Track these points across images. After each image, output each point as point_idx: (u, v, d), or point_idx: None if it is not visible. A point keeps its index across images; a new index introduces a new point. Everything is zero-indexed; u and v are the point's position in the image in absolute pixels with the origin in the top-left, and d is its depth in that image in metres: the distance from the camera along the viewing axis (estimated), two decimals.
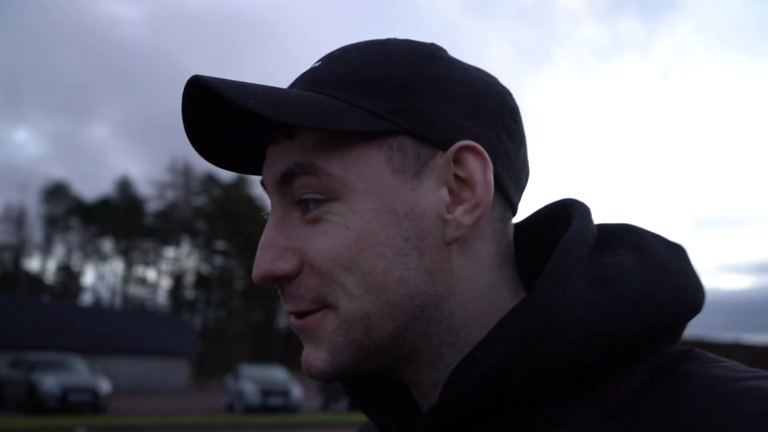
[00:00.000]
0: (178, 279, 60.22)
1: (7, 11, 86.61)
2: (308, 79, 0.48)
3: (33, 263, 63.34)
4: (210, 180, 61.14)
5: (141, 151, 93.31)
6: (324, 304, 0.45)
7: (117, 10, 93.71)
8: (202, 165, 62.19)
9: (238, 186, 61.94)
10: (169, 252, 61.18)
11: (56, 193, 60.58)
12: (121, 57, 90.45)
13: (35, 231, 60.26)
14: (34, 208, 60.57)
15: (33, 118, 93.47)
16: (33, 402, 15.96)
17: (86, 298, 58.88)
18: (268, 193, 0.48)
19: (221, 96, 0.41)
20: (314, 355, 0.46)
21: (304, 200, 0.45)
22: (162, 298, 60.40)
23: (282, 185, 0.46)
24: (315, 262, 0.44)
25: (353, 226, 0.44)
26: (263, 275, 0.46)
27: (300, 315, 0.47)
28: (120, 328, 36.15)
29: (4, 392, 18.08)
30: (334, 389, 18.24)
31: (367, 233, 0.44)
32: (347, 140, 0.44)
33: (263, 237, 0.47)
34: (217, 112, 0.46)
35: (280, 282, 0.46)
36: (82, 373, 17.69)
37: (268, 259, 0.45)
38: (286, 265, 0.45)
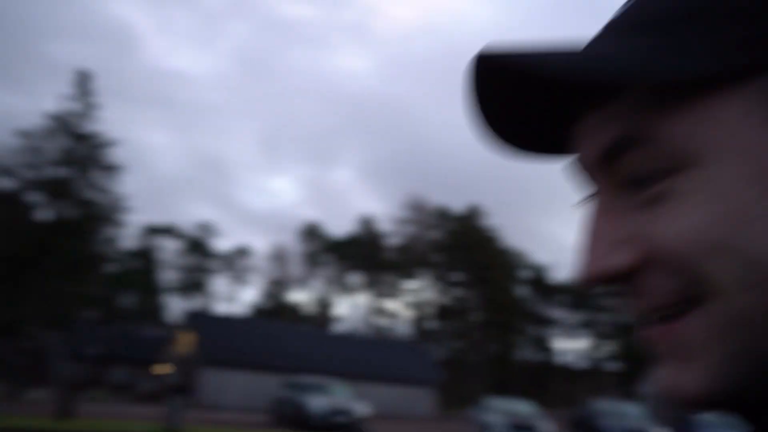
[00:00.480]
0: (419, 310, 62.86)
1: (262, 76, 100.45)
2: (619, 23, 0.36)
3: (295, 296, 71.15)
4: (442, 214, 63.18)
5: (380, 190, 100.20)
6: (689, 301, 0.33)
7: (351, 65, 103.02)
8: (434, 199, 64.78)
9: (470, 218, 63.02)
10: (410, 284, 64.21)
11: (310, 233, 67.76)
12: (358, 106, 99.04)
13: (296, 267, 67.97)
14: (294, 247, 68.50)
15: (288, 167, 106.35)
16: (302, 420, 17.64)
17: (339, 327, 64.31)
18: (586, 175, 0.38)
19: (518, 68, 0.33)
20: (684, 375, 0.33)
21: (639, 177, 0.34)
22: (405, 328, 63.43)
23: (606, 163, 0.36)
24: (668, 251, 0.33)
25: (717, 200, 0.32)
26: (597, 274, 0.35)
27: (660, 319, 0.34)
28: (369, 356, 38.60)
29: (279, 411, 20.27)
30: (585, 424, 17.16)
31: (739, 207, 0.31)
32: (690, 92, 0.32)
33: (591, 228, 0.36)
34: (509, 88, 0.37)
35: (616, 281, 0.36)
36: (344, 396, 19.16)
37: (600, 255, 0.35)
38: (623, 258, 0.35)
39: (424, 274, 63.64)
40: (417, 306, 63.19)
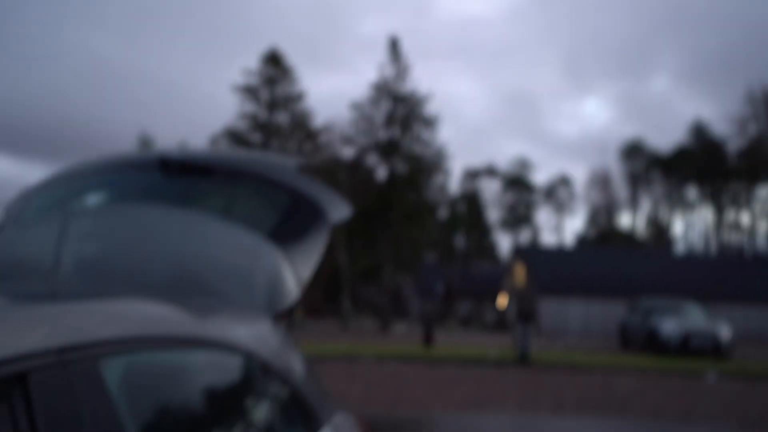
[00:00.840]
0: None
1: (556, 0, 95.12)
2: None
3: (624, 219, 67.63)
4: None
5: (709, 91, 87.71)
6: None
7: None
8: None
9: None
10: (763, 191, 55.30)
11: (633, 150, 63.08)
12: (668, 1, 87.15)
13: (621, 189, 64.33)
14: (616, 169, 64.75)
15: (597, 86, 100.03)
16: (655, 344, 16.76)
17: (677, 248, 59.14)
18: None
19: None
20: None
21: None
22: (760, 242, 55.17)
23: None
24: None
25: None
26: None
27: None
28: (721, 276, 34.82)
29: (626, 335, 19.66)
30: None
31: None
32: None
33: None
34: None
35: None
36: (699, 319, 17.64)
37: None
38: None
39: None
40: None
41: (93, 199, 2.11)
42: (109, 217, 1.90)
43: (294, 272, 1.91)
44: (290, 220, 1.98)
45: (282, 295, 1.86)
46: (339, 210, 2.09)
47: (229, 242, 1.85)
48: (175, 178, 2.01)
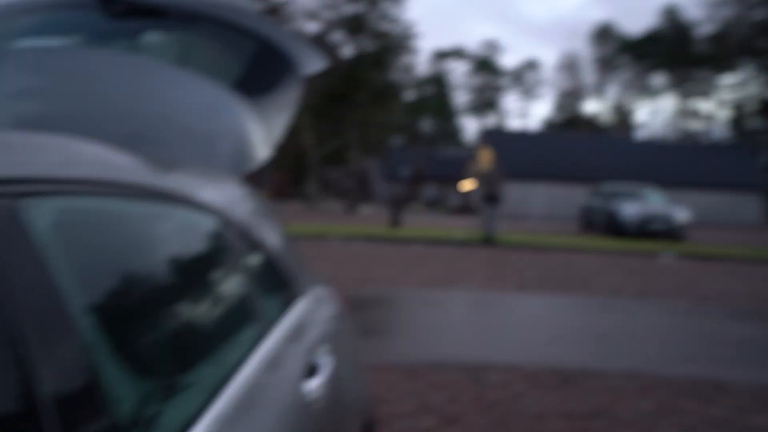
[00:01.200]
0: (737, 108, 54.53)
1: None
2: None
3: (590, 106, 67.70)
4: None
5: None
6: None
7: None
8: None
9: None
10: (727, 79, 55.49)
11: (604, 35, 61.87)
12: None
13: (588, 75, 63.84)
14: (586, 53, 63.82)
15: None
16: (614, 227, 17.28)
17: (640, 134, 59.92)
18: None
19: None
20: None
21: None
22: (720, 130, 56.22)
23: None
24: None
25: None
26: None
27: None
28: (681, 162, 35.64)
29: (588, 218, 20.18)
30: None
31: None
32: None
33: None
34: None
35: None
36: (657, 203, 18.13)
37: None
38: None
39: (746, 65, 53.98)
40: (736, 104, 54.80)
41: (21, 44, 1.79)
42: (43, 65, 1.61)
43: (263, 129, 1.68)
44: (257, 71, 1.72)
45: (250, 154, 1.64)
46: (312, 61, 1.83)
47: (187, 94, 1.60)
48: (120, 19, 1.70)
